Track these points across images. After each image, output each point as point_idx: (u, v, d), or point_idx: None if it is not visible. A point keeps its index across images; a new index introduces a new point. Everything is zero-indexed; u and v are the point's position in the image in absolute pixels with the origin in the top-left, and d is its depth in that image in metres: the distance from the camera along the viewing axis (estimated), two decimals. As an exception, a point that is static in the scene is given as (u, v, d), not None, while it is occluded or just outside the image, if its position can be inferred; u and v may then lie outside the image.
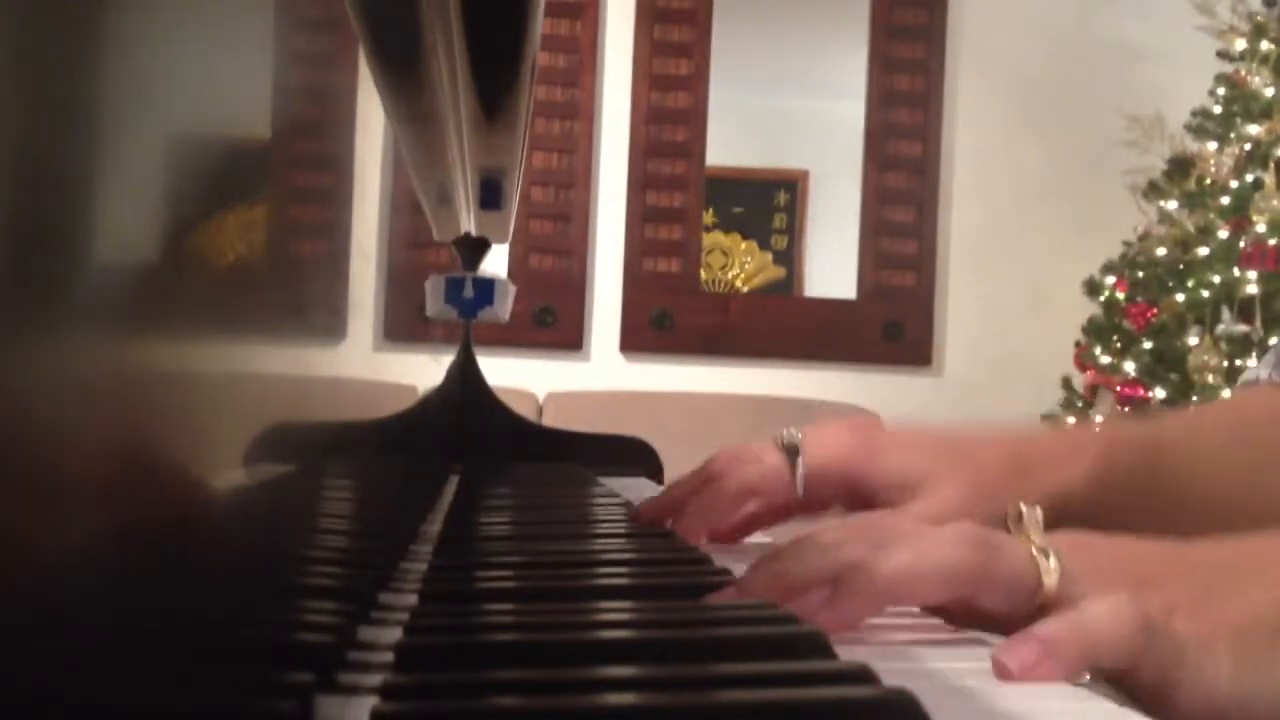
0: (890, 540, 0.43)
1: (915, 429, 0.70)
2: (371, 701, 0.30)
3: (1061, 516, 0.58)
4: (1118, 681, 0.40)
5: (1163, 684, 0.40)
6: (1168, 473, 0.67)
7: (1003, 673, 0.37)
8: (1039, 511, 0.44)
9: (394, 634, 0.37)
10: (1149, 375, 2.82)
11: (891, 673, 0.32)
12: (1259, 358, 0.79)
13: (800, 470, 0.64)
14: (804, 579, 0.43)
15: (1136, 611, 0.39)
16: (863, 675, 0.32)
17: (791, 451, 0.64)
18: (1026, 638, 0.38)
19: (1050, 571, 0.42)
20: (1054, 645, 0.38)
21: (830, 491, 0.66)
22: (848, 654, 0.35)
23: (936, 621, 0.46)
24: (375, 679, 0.32)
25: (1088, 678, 0.39)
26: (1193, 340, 2.76)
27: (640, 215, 3.43)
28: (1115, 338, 2.99)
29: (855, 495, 0.66)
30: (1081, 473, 0.65)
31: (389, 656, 0.34)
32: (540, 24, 0.68)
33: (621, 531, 0.68)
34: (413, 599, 0.44)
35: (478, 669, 0.33)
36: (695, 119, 3.44)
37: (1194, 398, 2.61)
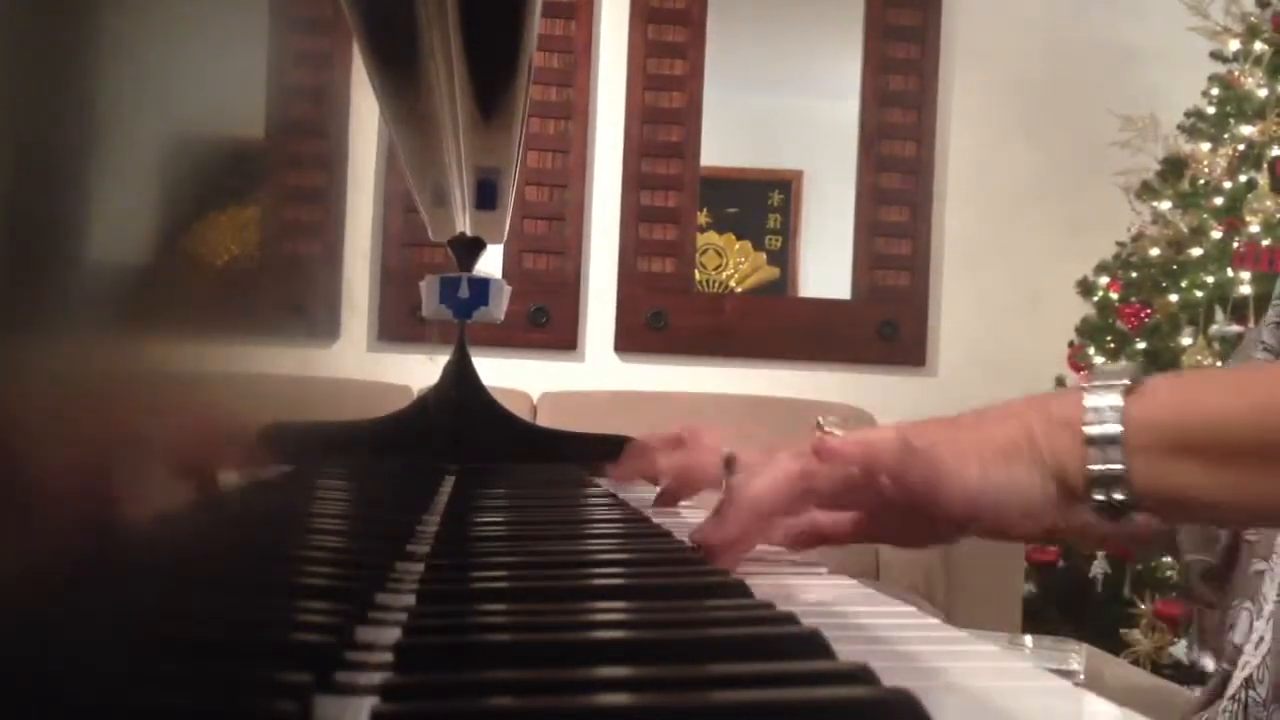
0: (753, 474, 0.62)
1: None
2: (370, 702, 0.30)
3: None
4: (902, 494, 0.59)
5: (929, 483, 0.58)
6: None
7: (819, 451, 0.60)
8: (835, 418, 0.70)
9: (392, 634, 0.37)
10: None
11: (891, 672, 0.32)
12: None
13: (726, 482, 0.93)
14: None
15: (899, 434, 0.60)
16: (863, 675, 0.32)
17: (729, 464, 0.91)
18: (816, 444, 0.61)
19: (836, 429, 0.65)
20: (839, 446, 0.60)
21: None
22: (848, 654, 0.35)
23: (935, 621, 0.46)
24: (374, 679, 0.32)
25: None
26: (1186, 340, 2.76)
27: (635, 215, 3.43)
28: (1109, 338, 2.99)
29: None
30: None
31: (387, 657, 0.34)
32: (537, 24, 0.68)
33: (618, 532, 0.68)
34: (410, 599, 0.44)
35: (477, 669, 0.33)
36: (690, 119, 3.44)
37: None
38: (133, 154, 0.26)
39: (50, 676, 0.21)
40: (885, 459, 0.59)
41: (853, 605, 0.51)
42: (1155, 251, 2.93)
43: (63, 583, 0.22)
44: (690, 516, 0.88)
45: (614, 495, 0.90)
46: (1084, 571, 2.82)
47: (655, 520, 0.75)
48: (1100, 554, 2.77)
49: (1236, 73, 2.92)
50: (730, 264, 3.85)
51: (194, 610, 0.31)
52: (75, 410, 0.22)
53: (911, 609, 0.50)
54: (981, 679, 0.38)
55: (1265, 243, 2.68)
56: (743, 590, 0.46)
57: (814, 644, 0.35)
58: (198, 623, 0.31)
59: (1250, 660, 0.75)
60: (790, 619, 0.39)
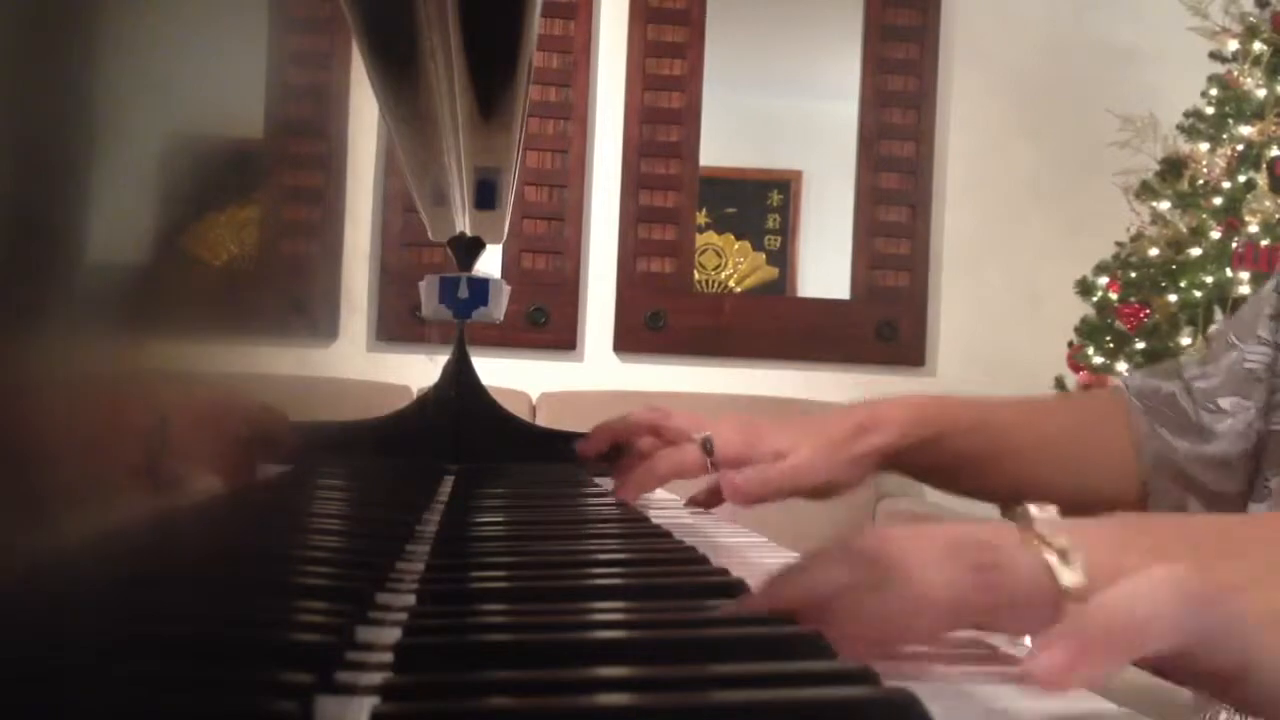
0: (883, 580, 0.40)
1: (791, 421, 0.92)
2: (371, 702, 0.30)
3: (889, 465, 0.87)
4: (1169, 672, 0.37)
5: (1230, 668, 0.36)
6: (994, 445, 0.88)
7: (1037, 683, 0.33)
8: (1052, 509, 0.41)
9: (392, 634, 0.37)
10: (1142, 375, 2.83)
11: (892, 672, 0.32)
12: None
13: (712, 462, 0.89)
14: (794, 600, 0.40)
15: (1181, 587, 0.35)
16: (863, 675, 0.32)
17: (706, 447, 0.89)
18: (1055, 638, 0.34)
19: (1069, 571, 0.38)
20: (1088, 640, 0.33)
21: (731, 465, 0.89)
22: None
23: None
24: (374, 679, 0.32)
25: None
26: (1185, 341, 2.76)
27: (634, 215, 3.43)
28: (1108, 338, 2.99)
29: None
30: (904, 435, 0.86)
31: (387, 657, 0.34)
32: (537, 24, 0.68)
33: (618, 532, 0.68)
34: (410, 599, 0.44)
35: (478, 669, 0.32)
36: (689, 119, 3.44)
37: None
38: (133, 154, 0.26)
39: (51, 676, 0.21)
40: (1162, 635, 0.35)
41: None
42: (1154, 252, 2.93)
43: (63, 583, 0.22)
44: (687, 517, 0.89)
45: (613, 495, 0.90)
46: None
47: (655, 520, 0.75)
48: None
49: (1235, 73, 2.92)
50: (729, 264, 3.85)
51: (195, 610, 0.31)
52: (75, 410, 0.22)
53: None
54: (981, 679, 0.38)
55: (1264, 243, 2.68)
56: (743, 590, 0.45)
57: (815, 644, 0.35)
58: (199, 623, 0.31)
59: None
60: (790, 619, 0.39)
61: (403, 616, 0.40)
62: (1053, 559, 0.39)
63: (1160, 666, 0.36)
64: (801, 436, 0.88)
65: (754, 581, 0.47)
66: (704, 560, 0.54)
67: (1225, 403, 0.85)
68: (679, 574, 0.52)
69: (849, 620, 0.39)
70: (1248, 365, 0.85)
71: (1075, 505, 0.89)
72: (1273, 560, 0.41)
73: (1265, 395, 0.83)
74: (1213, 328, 2.69)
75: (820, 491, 0.89)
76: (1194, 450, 0.85)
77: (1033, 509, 0.41)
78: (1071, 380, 3.09)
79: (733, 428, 0.91)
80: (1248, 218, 2.73)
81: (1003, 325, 3.41)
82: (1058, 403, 0.94)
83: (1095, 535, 0.41)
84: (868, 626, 0.39)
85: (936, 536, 0.42)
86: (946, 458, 0.89)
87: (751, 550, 0.67)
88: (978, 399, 0.92)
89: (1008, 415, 0.91)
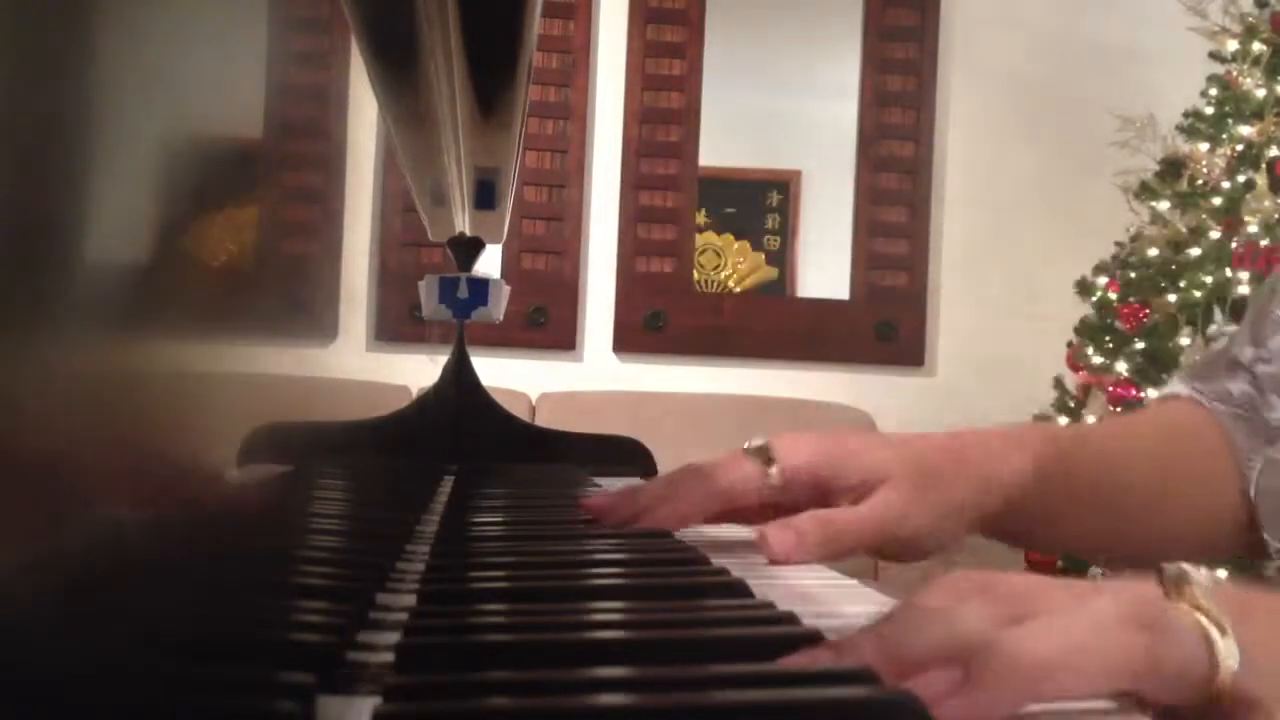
0: (1032, 612, 0.35)
1: (879, 435, 0.74)
2: (372, 702, 0.30)
3: (992, 502, 0.69)
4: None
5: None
6: (1093, 468, 0.75)
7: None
8: (1207, 573, 0.37)
9: (393, 635, 0.37)
10: (1141, 376, 2.83)
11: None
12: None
13: (775, 471, 0.67)
14: (923, 654, 0.34)
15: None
16: (865, 675, 0.31)
17: (762, 456, 0.67)
18: None
19: (1229, 656, 0.35)
20: None
21: (798, 492, 0.68)
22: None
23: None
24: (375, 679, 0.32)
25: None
26: (1185, 341, 2.76)
27: (633, 215, 3.43)
28: (1107, 338, 2.99)
29: (820, 496, 0.68)
30: (1013, 464, 0.70)
31: (388, 657, 0.34)
32: (537, 24, 0.68)
33: (618, 532, 0.68)
34: (410, 599, 0.44)
35: (478, 669, 0.32)
36: (688, 119, 3.44)
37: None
38: (132, 154, 0.26)
39: (52, 677, 0.21)
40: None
41: (853, 605, 0.51)
42: (1154, 252, 2.93)
43: (63, 583, 0.22)
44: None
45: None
46: (1083, 572, 2.82)
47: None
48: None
49: (1235, 73, 2.92)
50: (729, 264, 3.85)
51: (196, 611, 0.31)
52: (74, 410, 0.22)
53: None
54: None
55: (1264, 243, 2.68)
56: (743, 590, 0.46)
57: (814, 644, 0.35)
58: (200, 623, 0.31)
59: None
60: (790, 619, 0.39)
61: (403, 617, 0.40)
62: (1212, 632, 0.35)
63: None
64: (894, 462, 0.67)
65: (754, 582, 0.47)
66: (704, 560, 0.54)
67: None
68: (679, 574, 0.52)
69: (991, 671, 0.32)
70: None
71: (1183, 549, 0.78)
72: None
73: None
74: (1212, 328, 2.68)
75: (903, 549, 0.68)
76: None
77: (1189, 568, 0.37)
78: (1071, 380, 3.09)
79: (801, 437, 0.69)
80: (1247, 218, 2.73)
81: (1002, 325, 3.40)
82: (1150, 430, 0.82)
83: (1232, 607, 0.36)
84: (1014, 675, 0.33)
85: (1076, 583, 0.38)
86: (1061, 503, 0.74)
87: (752, 550, 0.67)
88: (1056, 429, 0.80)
89: (1112, 446, 0.79)
